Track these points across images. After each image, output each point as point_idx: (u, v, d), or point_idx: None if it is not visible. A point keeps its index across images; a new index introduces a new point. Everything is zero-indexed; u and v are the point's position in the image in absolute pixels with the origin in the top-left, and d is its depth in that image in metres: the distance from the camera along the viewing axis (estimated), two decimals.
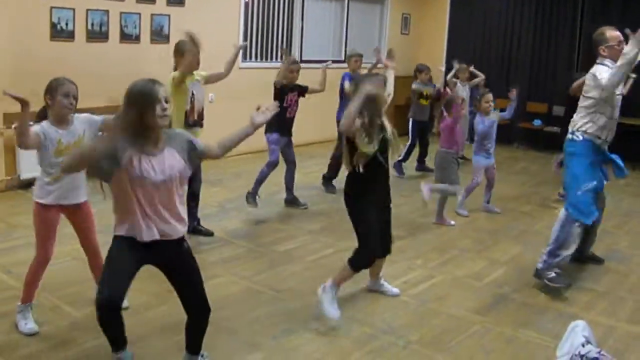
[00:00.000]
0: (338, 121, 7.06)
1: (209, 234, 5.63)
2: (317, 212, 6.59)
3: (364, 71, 7.49)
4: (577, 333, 3.43)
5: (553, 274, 4.77)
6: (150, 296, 4.27)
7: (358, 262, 4.14)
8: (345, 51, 11.00)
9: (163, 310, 4.04)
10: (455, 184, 6.18)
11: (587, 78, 4.75)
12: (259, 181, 6.37)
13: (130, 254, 3.02)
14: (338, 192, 7.04)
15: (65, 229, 5.65)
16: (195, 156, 3.17)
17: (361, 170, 3.99)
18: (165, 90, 3.01)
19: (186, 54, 5.27)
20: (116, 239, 3.07)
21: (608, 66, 4.64)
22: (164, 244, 3.06)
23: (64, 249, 5.10)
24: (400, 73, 11.87)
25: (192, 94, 5.33)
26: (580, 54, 10.88)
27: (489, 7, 11.82)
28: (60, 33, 6.99)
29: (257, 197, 6.35)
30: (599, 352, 3.28)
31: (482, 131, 6.60)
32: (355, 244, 4.21)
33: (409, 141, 8.54)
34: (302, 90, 6.54)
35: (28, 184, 6.79)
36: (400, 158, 8.35)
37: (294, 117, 6.49)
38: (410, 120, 8.58)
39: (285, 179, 6.70)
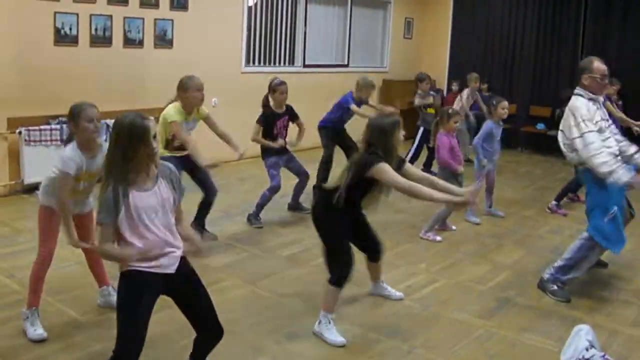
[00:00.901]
0: (320, 127, 7.19)
1: (213, 238, 5.64)
2: None
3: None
4: (581, 337, 3.43)
5: (555, 287, 4.79)
6: None
7: (337, 275, 3.93)
8: (349, 56, 11.05)
9: (167, 315, 4.03)
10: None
11: (566, 115, 4.66)
12: (261, 205, 6.26)
13: (147, 297, 2.91)
14: None
15: None
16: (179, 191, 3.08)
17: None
18: (155, 125, 2.91)
19: (189, 92, 5.15)
20: (127, 277, 2.89)
21: (583, 97, 4.61)
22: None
23: (66, 253, 5.11)
24: (404, 77, 11.98)
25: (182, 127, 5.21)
26: (583, 58, 10.85)
27: (491, 10, 11.83)
28: (64, 38, 7.02)
29: (259, 218, 6.29)
30: (602, 356, 3.29)
31: (490, 137, 6.61)
32: None
33: (415, 145, 8.46)
34: (293, 116, 6.35)
35: (32, 189, 6.81)
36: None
37: (285, 138, 6.32)
38: (421, 128, 8.51)
39: (295, 188, 6.64)
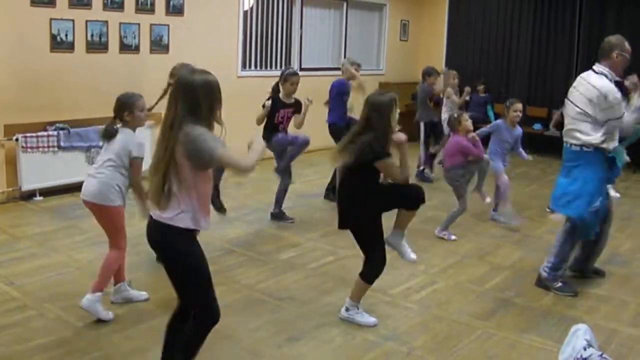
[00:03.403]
0: (330, 124, 7.16)
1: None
2: (317, 219, 6.59)
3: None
4: (579, 337, 3.44)
5: (560, 284, 4.84)
6: (155, 304, 4.28)
7: (372, 275, 4.14)
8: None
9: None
10: (462, 199, 6.14)
11: (592, 94, 4.59)
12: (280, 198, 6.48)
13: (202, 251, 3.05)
14: None
15: (67, 239, 5.68)
16: None
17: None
18: None
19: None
20: (186, 235, 2.94)
21: (608, 77, 4.62)
22: None
23: (66, 259, 5.13)
24: (401, 80, 11.99)
25: None
26: (579, 58, 10.91)
27: (487, 12, 11.86)
28: (60, 44, 7.01)
29: (284, 213, 6.44)
30: (600, 356, 3.28)
31: (506, 143, 6.67)
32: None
33: (422, 145, 8.54)
34: (299, 108, 6.40)
35: (29, 195, 6.82)
36: (422, 167, 8.39)
37: (286, 132, 6.39)
38: (421, 123, 8.56)
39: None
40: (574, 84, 4.80)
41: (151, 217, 2.97)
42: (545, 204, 7.42)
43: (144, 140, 4.19)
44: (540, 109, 11.21)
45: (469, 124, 6.16)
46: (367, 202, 4.05)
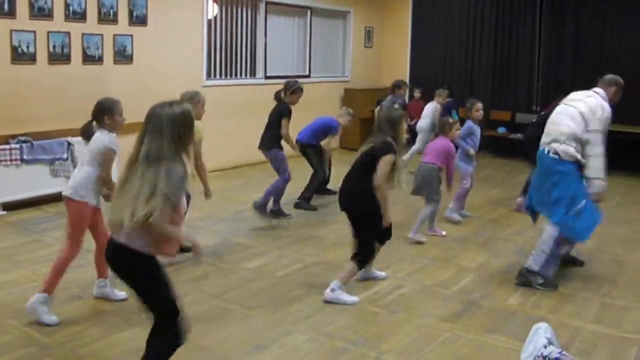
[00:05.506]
0: (298, 141, 7.37)
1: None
2: (285, 227, 6.60)
3: None
4: (540, 335, 3.51)
5: (542, 280, 4.99)
6: (121, 317, 4.25)
7: (365, 259, 4.74)
8: (310, 67, 11.13)
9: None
10: (436, 202, 6.29)
11: (591, 107, 4.90)
12: (278, 198, 6.74)
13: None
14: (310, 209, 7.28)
15: (31, 253, 5.60)
16: None
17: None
18: None
19: (199, 105, 5.41)
20: (153, 261, 3.03)
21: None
22: None
23: (28, 274, 5.05)
24: (366, 86, 12.08)
25: None
26: (540, 63, 11.11)
27: (449, 18, 12.01)
28: (21, 56, 6.92)
29: (281, 209, 6.74)
30: (560, 353, 3.36)
31: (469, 135, 6.96)
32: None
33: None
34: None
35: None
36: None
37: None
38: None
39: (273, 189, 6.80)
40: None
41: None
42: (511, 206, 7.55)
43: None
44: (504, 112, 11.39)
45: (457, 133, 6.54)
46: (368, 193, 4.60)
